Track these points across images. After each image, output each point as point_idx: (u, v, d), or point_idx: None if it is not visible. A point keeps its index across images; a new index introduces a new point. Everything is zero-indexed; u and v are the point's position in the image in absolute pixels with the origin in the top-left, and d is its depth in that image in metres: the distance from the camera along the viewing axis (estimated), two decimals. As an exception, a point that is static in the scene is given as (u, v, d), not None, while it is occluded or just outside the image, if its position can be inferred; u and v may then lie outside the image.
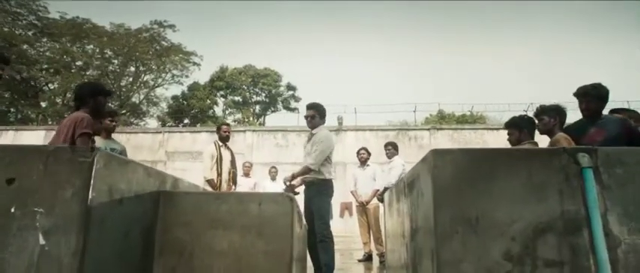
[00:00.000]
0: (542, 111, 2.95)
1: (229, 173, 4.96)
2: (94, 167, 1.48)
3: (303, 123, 3.90)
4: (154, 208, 2.00)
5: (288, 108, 30.82)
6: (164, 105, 28.73)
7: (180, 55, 26.57)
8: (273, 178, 7.55)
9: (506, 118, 3.21)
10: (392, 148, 5.88)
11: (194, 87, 28.28)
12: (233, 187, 5.04)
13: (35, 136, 15.28)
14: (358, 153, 6.14)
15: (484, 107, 28.75)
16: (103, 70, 25.46)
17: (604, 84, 2.76)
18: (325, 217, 3.79)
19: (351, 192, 6.15)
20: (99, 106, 2.75)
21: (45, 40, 24.57)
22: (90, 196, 1.45)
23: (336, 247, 3.96)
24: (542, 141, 2.92)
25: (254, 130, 16.51)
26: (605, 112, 2.93)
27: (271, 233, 2.00)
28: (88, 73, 24.91)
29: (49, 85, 25.35)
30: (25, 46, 23.54)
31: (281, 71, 30.73)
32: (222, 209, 2.03)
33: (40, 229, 1.42)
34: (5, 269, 1.38)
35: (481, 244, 1.42)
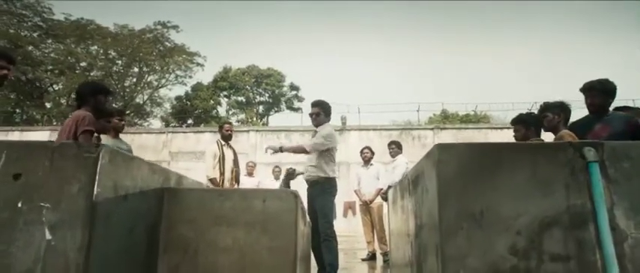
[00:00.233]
0: (546, 108, 2.94)
1: (232, 172, 4.97)
2: (99, 163, 1.49)
3: (307, 123, 3.88)
4: (159, 205, 2.01)
5: (291, 108, 30.87)
6: (168, 105, 28.87)
7: (184, 56, 26.65)
8: (277, 178, 7.55)
9: (511, 117, 3.19)
10: (395, 147, 5.88)
11: (197, 87, 28.37)
12: (236, 185, 5.04)
13: (40, 137, 15.40)
14: (362, 152, 6.13)
15: (488, 107, 28.66)
16: (107, 71, 25.60)
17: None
18: (329, 216, 3.78)
19: (355, 191, 6.15)
20: (99, 104, 2.81)
21: (50, 41, 24.75)
22: (95, 192, 1.46)
23: (339, 246, 3.95)
24: (548, 139, 2.90)
25: (257, 130, 16.55)
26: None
27: (275, 229, 2.00)
28: (92, 73, 25.05)
29: (54, 86, 25.54)
30: (30, 48, 23.71)
31: (283, 71, 30.79)
32: (226, 206, 2.04)
33: (46, 224, 1.43)
34: (12, 263, 1.39)
35: (486, 239, 1.41)
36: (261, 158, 14.16)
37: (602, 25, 51.00)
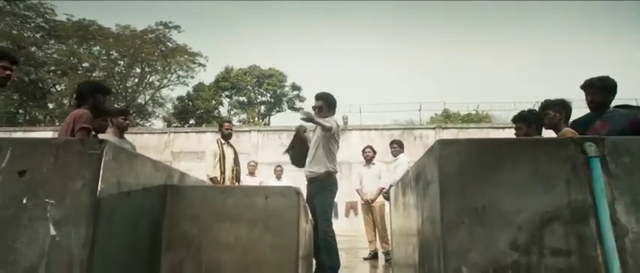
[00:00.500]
0: (547, 105, 2.93)
1: (233, 171, 4.97)
2: (103, 160, 1.50)
3: (308, 123, 3.78)
4: (162, 202, 2.02)
5: (293, 108, 30.86)
6: (170, 106, 28.93)
7: (186, 56, 26.71)
8: (279, 177, 7.56)
9: (512, 116, 3.17)
10: (397, 146, 5.88)
11: (199, 88, 28.42)
12: (236, 184, 5.05)
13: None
14: (364, 151, 6.13)
15: (489, 106, 28.61)
16: (109, 72, 25.68)
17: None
18: (328, 214, 3.65)
19: (357, 190, 6.15)
20: (98, 103, 2.85)
21: (52, 42, 24.84)
22: (99, 188, 1.47)
23: (341, 246, 3.88)
24: (549, 136, 2.90)
25: (259, 130, 16.58)
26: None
27: (278, 227, 2.01)
28: (94, 74, 25.13)
29: (57, 86, 25.63)
30: (33, 48, 23.81)
31: (285, 71, 30.82)
32: (228, 203, 2.05)
33: (50, 220, 1.45)
34: (17, 259, 1.40)
35: (488, 234, 1.41)
36: (263, 158, 14.19)
37: (602, 25, 50.94)
